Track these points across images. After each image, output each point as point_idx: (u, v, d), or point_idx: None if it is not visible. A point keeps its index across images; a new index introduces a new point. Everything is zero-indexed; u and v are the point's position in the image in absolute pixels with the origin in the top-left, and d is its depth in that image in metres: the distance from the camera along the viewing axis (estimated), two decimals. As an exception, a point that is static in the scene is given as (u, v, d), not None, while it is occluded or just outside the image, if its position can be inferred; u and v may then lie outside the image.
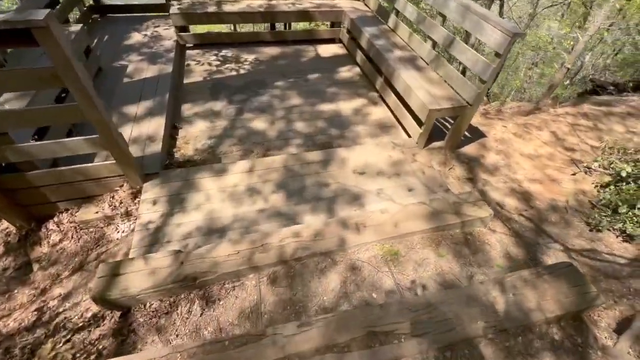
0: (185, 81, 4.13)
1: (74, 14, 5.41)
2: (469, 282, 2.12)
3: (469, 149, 3.75)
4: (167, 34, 4.64)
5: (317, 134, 3.49)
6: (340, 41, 5.23)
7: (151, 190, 2.62)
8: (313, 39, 5.17)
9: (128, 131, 3.03)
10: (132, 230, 2.51)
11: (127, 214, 2.66)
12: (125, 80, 3.70)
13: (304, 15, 4.82)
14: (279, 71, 4.46)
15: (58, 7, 3.91)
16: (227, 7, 4.56)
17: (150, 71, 3.85)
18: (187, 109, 3.68)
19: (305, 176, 2.83)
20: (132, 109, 3.29)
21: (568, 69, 6.21)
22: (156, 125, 3.12)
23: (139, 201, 2.63)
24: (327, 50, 5.06)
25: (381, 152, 3.14)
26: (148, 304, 1.96)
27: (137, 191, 2.71)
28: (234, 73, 4.35)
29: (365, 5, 5.12)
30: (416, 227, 2.31)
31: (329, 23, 5.77)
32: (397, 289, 2.00)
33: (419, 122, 3.25)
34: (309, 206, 2.58)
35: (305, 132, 3.50)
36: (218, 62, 4.52)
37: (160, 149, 2.91)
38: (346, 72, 4.56)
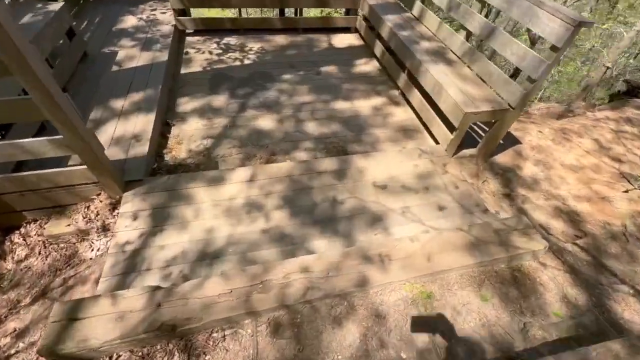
0: (183, 71, 3.68)
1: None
2: (523, 337, 1.67)
3: (503, 158, 3.26)
4: (165, 18, 4.18)
5: (330, 136, 3.03)
6: (357, 30, 4.72)
7: (132, 202, 2.19)
8: (326, 28, 4.66)
9: (111, 129, 2.60)
10: (108, 250, 2.10)
11: (104, 229, 2.24)
12: (114, 68, 3.25)
13: (317, 0, 4.31)
14: (287, 62, 3.98)
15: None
16: (232, -11, 4.07)
17: (142, 59, 3.40)
18: (182, 103, 3.23)
19: (316, 189, 2.37)
20: (118, 103, 2.85)
21: (608, 67, 5.64)
22: (144, 122, 2.68)
23: (117, 214, 2.21)
24: (342, 40, 4.56)
25: (405, 161, 2.67)
26: (115, 356, 1.54)
27: (117, 201, 2.28)
28: (237, 63, 3.88)
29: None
30: (454, 262, 1.86)
31: (343, 10, 5.24)
32: (433, 348, 1.56)
33: (450, 127, 2.77)
34: (320, 228, 2.14)
35: (316, 134, 3.04)
36: (220, 51, 4.05)
37: (147, 150, 2.47)
38: (363, 66, 4.06)
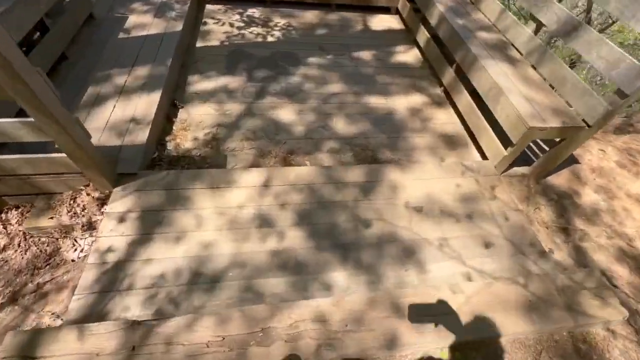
0: (198, 44, 3.26)
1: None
2: None
3: (558, 180, 2.77)
4: (183, -20, 3.72)
5: (358, 137, 2.60)
6: (398, 12, 4.14)
7: (121, 201, 1.87)
8: (363, 6, 4.10)
9: (108, 109, 2.25)
10: (88, 257, 1.80)
11: (90, 227, 1.93)
12: (121, 36, 2.87)
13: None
14: (316, 43, 3.50)
15: None
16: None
17: (154, 27, 3.00)
18: (194, 82, 2.84)
19: (339, 206, 1.98)
20: (121, 77, 2.48)
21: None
22: (147, 103, 2.32)
23: (105, 212, 1.89)
24: (380, 22, 4.01)
25: (446, 179, 2.24)
26: (77, 404, 1.25)
27: (106, 196, 1.96)
28: (259, 39, 3.43)
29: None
30: (506, 326, 1.47)
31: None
32: None
33: (505, 141, 2.30)
34: (340, 256, 1.77)
35: (343, 132, 2.61)
36: (242, 24, 3.60)
37: (147, 137, 2.12)
38: (403, 55, 3.54)
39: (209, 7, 3.79)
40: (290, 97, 2.84)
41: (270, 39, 3.46)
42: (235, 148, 2.41)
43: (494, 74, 2.39)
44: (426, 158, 2.51)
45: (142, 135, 2.13)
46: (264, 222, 1.86)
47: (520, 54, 2.64)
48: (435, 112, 2.90)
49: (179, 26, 3.04)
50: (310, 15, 3.91)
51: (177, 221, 1.81)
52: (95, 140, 1.87)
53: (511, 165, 2.44)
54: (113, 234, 1.74)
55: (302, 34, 3.62)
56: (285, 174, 2.10)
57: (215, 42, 3.31)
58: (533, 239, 2.00)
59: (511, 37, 2.73)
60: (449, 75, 2.95)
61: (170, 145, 2.37)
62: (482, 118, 2.52)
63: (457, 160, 2.48)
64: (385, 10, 4.17)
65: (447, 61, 3.00)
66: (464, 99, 2.71)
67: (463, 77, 2.77)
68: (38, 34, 2.52)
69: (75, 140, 1.57)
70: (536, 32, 2.62)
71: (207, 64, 3.05)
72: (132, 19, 3.05)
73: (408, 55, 3.54)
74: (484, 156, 2.53)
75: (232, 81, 2.90)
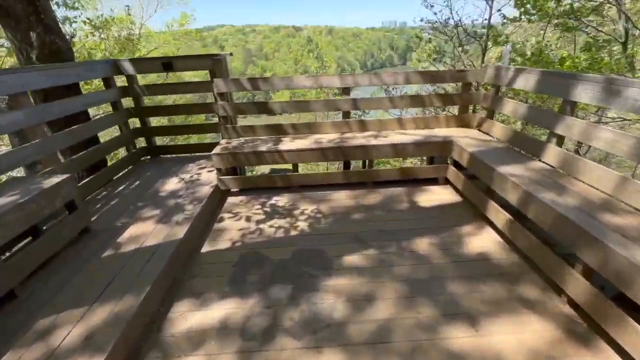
0: (205, 249, 2.62)
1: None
2: None
3: None
4: (208, 177, 3.53)
5: None
6: (448, 181, 3.47)
7: None
8: (405, 180, 3.53)
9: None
10: None
11: None
12: (107, 253, 2.31)
13: (393, 150, 3.31)
14: (352, 233, 2.71)
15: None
16: (285, 145, 3.36)
17: (152, 237, 2.46)
18: (177, 317, 1.96)
19: None
20: (75, 312, 1.70)
21: None
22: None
23: None
24: (429, 196, 3.28)
25: None
26: None
27: None
28: (280, 234, 2.74)
29: (483, 132, 3.48)
30: None
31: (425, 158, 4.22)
32: None
33: None
34: None
35: None
36: (262, 216, 3.05)
37: None
38: (475, 239, 2.55)
39: (231, 199, 3.43)
40: (313, 336, 1.77)
41: (293, 232, 2.76)
42: None
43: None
44: None
45: None
46: None
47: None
48: (575, 351, 1.57)
49: (181, 232, 2.48)
50: (344, 197, 3.34)
51: None
52: None
53: None
54: None
55: (334, 221, 2.91)
56: None
57: (226, 244, 2.66)
58: None
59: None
60: (575, 280, 1.78)
61: None
62: None
63: None
64: (432, 181, 3.53)
65: (561, 258, 1.90)
66: (635, 334, 1.42)
67: (611, 288, 1.58)
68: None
69: None
70: None
71: (206, 279, 2.27)
72: (132, 229, 2.58)
73: (483, 239, 2.54)
74: None
75: (233, 309, 1.98)
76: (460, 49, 6.27)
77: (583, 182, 2.24)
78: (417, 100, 3.68)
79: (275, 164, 3.32)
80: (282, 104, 3.58)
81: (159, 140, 5.45)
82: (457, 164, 3.30)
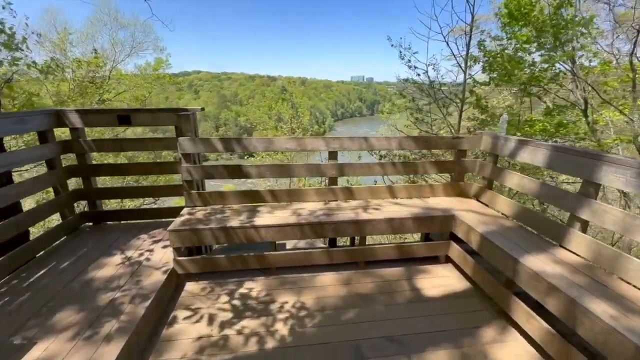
0: (144, 376, 1.86)
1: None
2: None
3: None
4: (162, 257, 2.82)
5: None
6: (448, 259, 3.02)
7: None
8: (401, 259, 3.03)
9: None
10: None
11: None
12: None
13: (389, 225, 2.85)
14: (347, 342, 2.08)
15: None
16: (262, 219, 2.79)
17: (65, 364, 1.69)
18: None
19: None
20: None
21: None
22: None
23: None
24: (432, 280, 2.78)
25: None
26: None
27: None
28: (252, 347, 2.05)
29: (483, 204, 3.15)
30: None
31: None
32: None
33: None
34: None
35: None
36: (230, 314, 2.35)
37: None
38: (504, 353, 2.02)
39: (190, 285, 2.71)
40: None
41: (270, 343, 2.08)
42: None
43: None
44: None
45: None
46: None
47: None
48: None
49: (110, 355, 1.73)
50: (332, 282, 2.74)
51: None
52: None
53: None
54: None
55: (323, 320, 2.28)
56: None
57: (176, 356, 1.92)
58: None
59: None
60: None
61: None
62: None
63: None
64: (432, 259, 3.06)
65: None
66: None
67: None
68: None
69: None
70: None
71: None
72: (35, 352, 1.79)
73: (512, 351, 2.01)
74: None
75: None
76: (444, 110, 6.32)
77: (629, 283, 1.85)
78: (410, 168, 3.34)
79: (250, 241, 2.71)
80: (259, 169, 3.06)
81: (109, 203, 4.62)
82: (455, 237, 2.89)
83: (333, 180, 3.22)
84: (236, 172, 3.06)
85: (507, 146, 2.87)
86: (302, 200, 3.22)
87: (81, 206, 3.70)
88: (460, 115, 6.31)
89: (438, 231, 2.97)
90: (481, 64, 6.58)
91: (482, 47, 6.61)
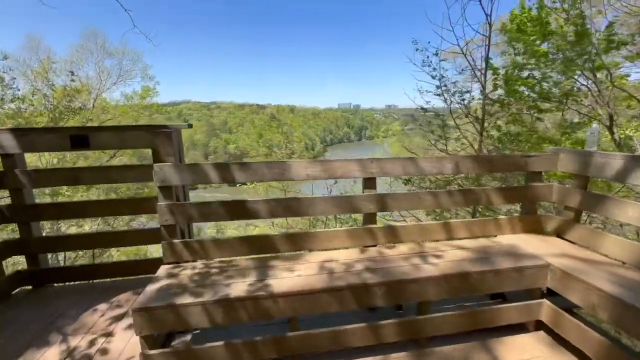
0: None
1: None
2: None
3: None
4: (126, 344, 1.85)
5: None
6: (541, 325, 2.13)
7: None
8: (471, 331, 2.11)
9: None
10: None
11: None
12: None
13: (459, 281, 1.96)
14: None
15: None
16: (277, 282, 1.87)
17: None
18: None
19: None
20: None
21: None
22: None
23: None
24: (524, 356, 1.88)
25: None
26: None
27: None
28: None
29: (571, 242, 2.33)
30: None
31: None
32: None
33: None
34: None
35: None
36: None
37: None
38: None
39: None
40: None
41: None
42: None
43: None
44: None
45: None
46: None
47: None
48: None
49: None
50: (386, 376, 1.80)
51: None
52: None
53: None
54: None
55: None
56: None
57: None
58: None
59: None
60: None
61: None
62: None
63: None
64: (518, 328, 2.16)
65: None
66: None
67: None
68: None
69: None
70: None
71: None
72: None
73: None
74: None
75: None
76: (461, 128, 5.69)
77: None
78: (469, 197, 2.52)
79: (263, 318, 1.78)
80: (269, 205, 2.18)
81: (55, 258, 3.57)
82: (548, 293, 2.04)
83: (370, 218, 2.35)
84: (239, 210, 2.17)
85: (610, 165, 2.10)
86: (327, 247, 2.33)
87: (17, 263, 2.71)
88: (481, 134, 5.67)
89: (528, 287, 2.10)
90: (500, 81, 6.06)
91: (496, 73, 6.10)
